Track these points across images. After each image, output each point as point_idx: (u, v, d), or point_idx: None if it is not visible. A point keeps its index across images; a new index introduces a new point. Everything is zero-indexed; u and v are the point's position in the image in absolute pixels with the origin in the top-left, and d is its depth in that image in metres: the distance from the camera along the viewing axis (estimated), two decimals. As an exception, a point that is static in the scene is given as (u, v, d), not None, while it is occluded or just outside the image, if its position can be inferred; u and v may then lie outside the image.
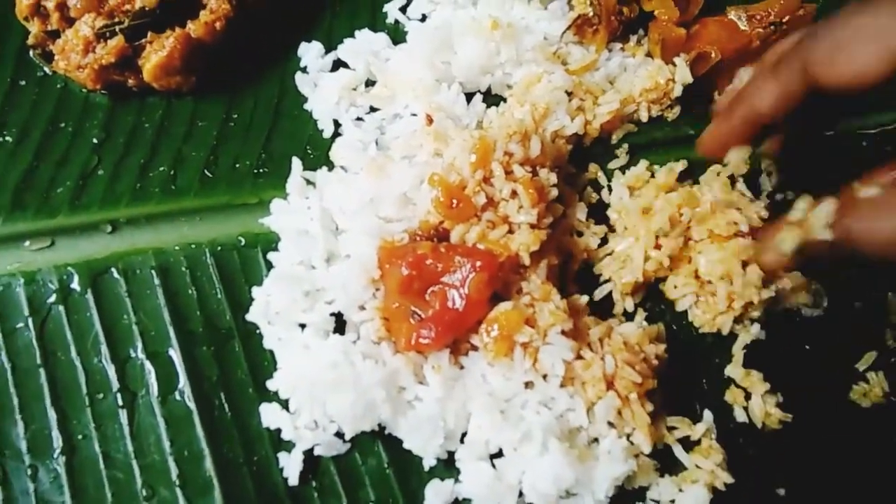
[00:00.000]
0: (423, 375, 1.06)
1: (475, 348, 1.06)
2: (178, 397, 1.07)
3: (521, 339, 1.03)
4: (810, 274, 1.13)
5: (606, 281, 1.16)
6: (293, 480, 1.04)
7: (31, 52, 1.28)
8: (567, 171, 1.22)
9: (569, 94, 1.23)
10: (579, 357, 1.04)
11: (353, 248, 1.11)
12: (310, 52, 1.30)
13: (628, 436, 1.03)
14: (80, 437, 1.05)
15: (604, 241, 1.18)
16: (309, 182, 1.18)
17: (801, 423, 1.10)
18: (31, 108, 1.25)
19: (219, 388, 1.08)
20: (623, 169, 1.23)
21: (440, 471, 1.05)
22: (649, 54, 1.29)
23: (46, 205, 1.17)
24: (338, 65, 1.29)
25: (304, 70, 1.29)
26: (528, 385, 1.04)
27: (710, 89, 1.30)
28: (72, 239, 1.16)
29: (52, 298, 1.12)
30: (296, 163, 1.18)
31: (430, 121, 1.18)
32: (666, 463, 1.05)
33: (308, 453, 1.05)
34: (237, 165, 1.22)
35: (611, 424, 1.02)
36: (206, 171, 1.21)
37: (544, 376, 1.04)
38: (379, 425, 1.05)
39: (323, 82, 1.27)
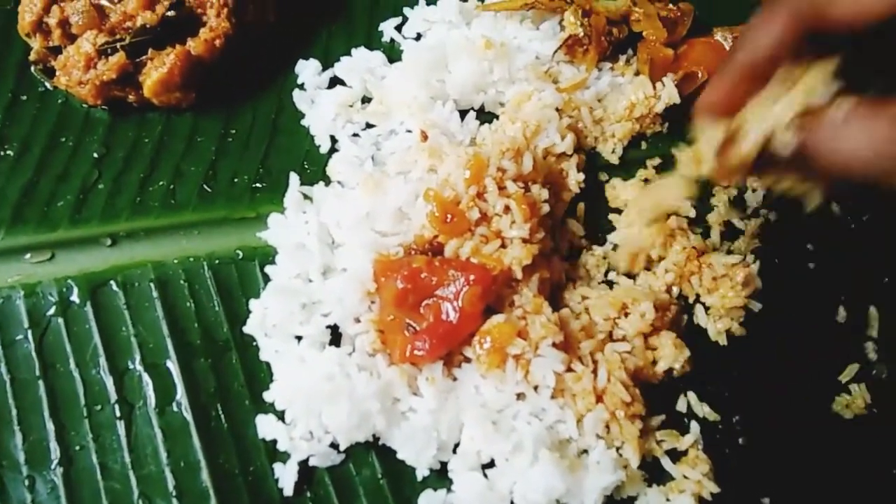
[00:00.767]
0: (417, 387, 1.08)
1: (468, 360, 1.08)
2: (175, 408, 1.09)
3: (513, 352, 1.05)
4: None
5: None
6: (288, 491, 1.05)
7: (32, 68, 1.30)
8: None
9: (558, 111, 1.26)
10: (570, 370, 1.06)
11: (350, 262, 1.13)
12: (307, 70, 1.33)
13: (618, 448, 1.05)
14: (77, 448, 1.07)
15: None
16: (306, 197, 1.21)
17: (785, 433, 1.12)
18: (32, 123, 1.27)
19: (216, 399, 1.10)
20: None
21: (433, 481, 1.06)
22: (638, 74, 1.32)
23: (47, 218, 1.19)
24: (335, 82, 1.32)
25: (301, 87, 1.32)
26: (519, 396, 1.07)
27: (697, 108, 1.33)
28: (72, 252, 1.17)
29: (52, 311, 1.13)
30: (293, 178, 1.21)
31: (424, 137, 1.21)
32: (654, 473, 1.07)
33: (303, 464, 1.06)
34: (235, 180, 1.24)
35: (600, 437, 1.04)
36: (204, 186, 1.23)
37: (535, 388, 1.06)
38: (373, 436, 1.06)
39: (320, 99, 1.30)
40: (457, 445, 1.06)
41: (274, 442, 1.07)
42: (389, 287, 1.08)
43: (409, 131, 1.25)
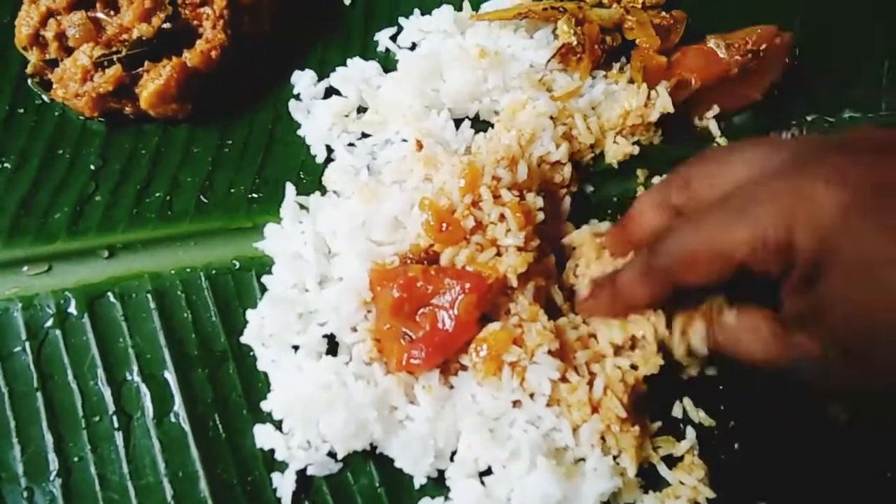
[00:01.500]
0: (413, 395, 1.08)
1: (465, 368, 1.09)
2: (173, 419, 1.09)
3: (509, 359, 1.06)
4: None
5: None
6: (286, 500, 1.05)
7: (29, 81, 1.30)
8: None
9: (553, 119, 1.27)
10: (565, 380, 1.07)
11: (346, 271, 1.13)
12: (303, 80, 1.33)
13: (615, 457, 1.05)
14: (76, 459, 1.07)
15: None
16: (302, 207, 1.21)
17: (781, 438, 1.12)
18: (29, 136, 1.27)
19: (213, 409, 1.10)
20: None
21: (430, 489, 1.07)
22: (631, 81, 1.33)
23: (44, 230, 1.19)
24: (330, 92, 1.33)
25: (297, 97, 1.33)
26: (515, 404, 1.07)
27: (690, 115, 1.34)
28: (69, 264, 1.18)
29: (50, 322, 1.14)
30: (289, 188, 1.21)
31: (419, 146, 1.21)
32: (650, 479, 1.07)
33: (301, 473, 1.06)
34: (232, 191, 1.25)
35: (595, 446, 1.05)
36: (201, 197, 1.24)
37: (531, 395, 1.07)
38: (371, 444, 1.07)
39: (316, 109, 1.30)
40: (454, 453, 1.07)
41: (272, 451, 1.07)
42: (385, 296, 1.08)
43: (405, 140, 1.26)
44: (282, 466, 1.07)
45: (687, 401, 1.13)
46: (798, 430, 1.13)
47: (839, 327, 0.84)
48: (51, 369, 1.12)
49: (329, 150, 1.28)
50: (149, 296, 1.16)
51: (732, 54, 1.31)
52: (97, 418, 1.09)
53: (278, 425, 1.08)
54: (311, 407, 1.06)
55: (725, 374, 1.15)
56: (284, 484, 1.06)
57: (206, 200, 1.24)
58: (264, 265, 1.18)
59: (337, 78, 1.32)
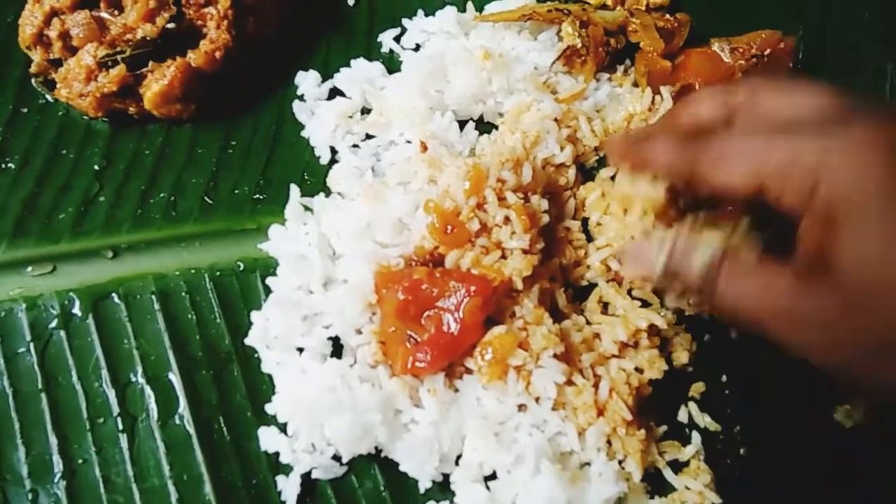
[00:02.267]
0: (418, 398, 1.08)
1: (470, 371, 1.09)
2: (177, 421, 1.09)
3: (514, 363, 1.06)
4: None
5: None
6: (291, 503, 1.05)
7: (33, 81, 1.30)
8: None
9: (557, 121, 1.27)
10: (571, 383, 1.07)
11: (350, 273, 1.13)
12: (307, 81, 1.33)
13: (620, 461, 1.05)
14: (80, 461, 1.07)
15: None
16: (307, 208, 1.21)
17: (787, 443, 1.13)
18: (33, 136, 1.27)
19: (218, 412, 1.10)
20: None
21: (435, 493, 1.07)
22: (636, 84, 1.33)
23: (48, 231, 1.19)
24: (334, 93, 1.32)
25: (301, 98, 1.32)
26: (521, 408, 1.07)
27: (695, 118, 1.34)
28: (73, 265, 1.18)
29: (54, 324, 1.14)
30: (293, 189, 1.21)
31: (424, 148, 1.21)
32: (655, 484, 1.08)
33: (306, 476, 1.07)
34: (236, 192, 1.25)
35: (601, 450, 1.05)
36: (205, 198, 1.24)
37: (537, 399, 1.07)
38: (375, 448, 1.07)
39: (320, 110, 1.30)
40: (459, 457, 1.07)
41: (276, 454, 1.07)
42: (390, 298, 1.08)
43: (409, 142, 1.25)
44: (286, 469, 1.07)
45: (692, 405, 1.13)
46: (804, 435, 1.14)
47: (850, 278, 0.81)
48: (55, 370, 1.11)
49: (333, 151, 1.28)
50: (153, 297, 1.16)
51: (736, 58, 1.31)
52: (101, 420, 1.09)
53: (283, 428, 1.08)
54: (316, 410, 1.05)
55: (730, 380, 1.16)
56: (289, 487, 1.06)
57: (210, 201, 1.24)
58: (269, 267, 1.18)
59: (341, 79, 1.32)
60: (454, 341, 1.07)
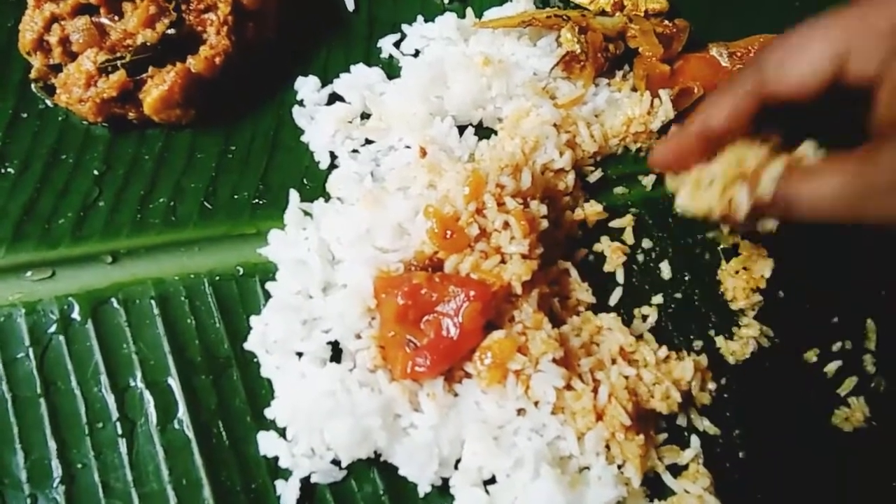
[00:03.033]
0: (418, 403, 1.08)
1: (469, 376, 1.09)
2: (176, 426, 1.09)
3: (513, 367, 1.06)
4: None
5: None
6: (290, 508, 1.05)
7: (33, 86, 1.30)
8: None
9: (556, 126, 1.27)
10: (570, 388, 1.07)
11: (350, 278, 1.13)
12: (306, 86, 1.33)
13: (619, 466, 1.06)
14: (79, 465, 1.07)
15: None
16: (306, 213, 1.21)
17: (786, 447, 1.13)
18: (32, 141, 1.27)
19: (217, 416, 1.10)
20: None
21: (435, 497, 1.07)
22: (634, 89, 1.33)
23: (48, 236, 1.19)
24: (334, 98, 1.33)
25: (300, 103, 1.33)
26: (520, 412, 1.07)
27: (693, 123, 1.35)
28: (72, 269, 1.18)
29: (53, 328, 1.14)
30: (293, 194, 1.21)
31: (423, 153, 1.22)
32: (654, 488, 1.08)
33: (305, 481, 1.07)
34: (235, 197, 1.25)
35: (600, 454, 1.05)
36: (205, 203, 1.24)
37: (536, 403, 1.07)
38: (375, 452, 1.07)
39: (319, 115, 1.30)
40: (458, 461, 1.07)
41: (276, 459, 1.07)
42: (390, 303, 1.08)
43: (408, 147, 1.26)
44: (286, 474, 1.07)
45: (692, 409, 1.13)
46: (803, 439, 1.14)
47: None
48: (54, 375, 1.11)
49: (333, 156, 1.28)
50: (152, 302, 1.16)
51: (734, 63, 1.32)
52: (100, 425, 1.09)
53: (282, 432, 1.08)
54: (315, 414, 1.05)
55: (729, 384, 1.16)
56: (288, 491, 1.06)
57: (209, 206, 1.24)
58: (268, 271, 1.18)
59: (340, 84, 1.32)
60: (453, 346, 1.07)
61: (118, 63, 1.23)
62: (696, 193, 1.03)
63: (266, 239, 1.19)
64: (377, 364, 1.09)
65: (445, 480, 1.06)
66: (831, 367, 1.19)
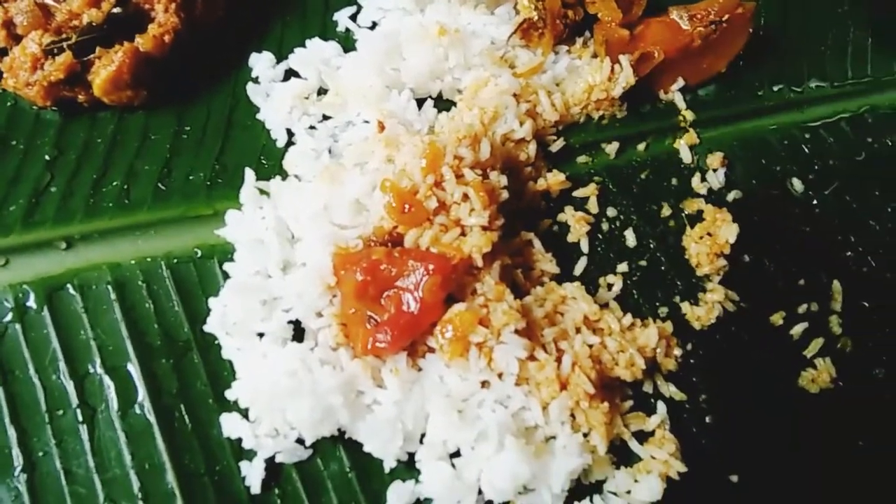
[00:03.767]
0: (381, 379, 1.07)
1: (432, 350, 1.08)
2: (137, 411, 1.08)
3: (475, 340, 1.05)
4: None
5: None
6: (255, 489, 1.04)
7: (-22, 71, 1.27)
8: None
9: (516, 96, 1.25)
10: (533, 358, 1.06)
11: (309, 256, 1.12)
12: (261, 63, 1.31)
13: (585, 434, 1.05)
14: (40, 454, 1.05)
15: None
16: (263, 192, 1.19)
17: (752, 410, 1.13)
18: (-20, 127, 1.24)
19: (178, 400, 1.09)
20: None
21: (401, 472, 1.06)
22: (595, 55, 1.31)
23: (-1, 224, 1.17)
24: (289, 74, 1.30)
25: (255, 80, 1.30)
26: (484, 384, 1.06)
27: (655, 88, 1.33)
28: (26, 257, 1.16)
29: (9, 317, 1.12)
30: (248, 173, 1.19)
31: (382, 128, 1.20)
32: (621, 454, 1.08)
33: (270, 461, 1.06)
34: (191, 178, 1.23)
35: (565, 423, 1.05)
36: (159, 185, 1.22)
37: (499, 375, 1.06)
38: (339, 430, 1.06)
39: (275, 92, 1.28)
40: (423, 436, 1.06)
41: (239, 440, 1.06)
42: (349, 280, 1.07)
43: (367, 122, 1.24)
44: (250, 455, 1.06)
45: (657, 376, 1.13)
46: (769, 403, 1.14)
47: None
48: (11, 364, 1.09)
49: (290, 133, 1.26)
50: (109, 287, 1.14)
51: (695, 25, 1.30)
52: (61, 412, 1.07)
53: (245, 414, 1.07)
54: (278, 394, 1.04)
55: (695, 349, 1.16)
56: (253, 472, 1.05)
57: (164, 188, 1.22)
58: (226, 252, 1.17)
59: (296, 59, 1.30)
60: (414, 320, 1.06)
61: (64, 44, 1.20)
62: None
63: (223, 219, 1.17)
64: (339, 342, 1.08)
65: (411, 455, 1.06)
66: (797, 330, 1.19)
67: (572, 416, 1.06)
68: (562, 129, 1.30)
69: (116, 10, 1.20)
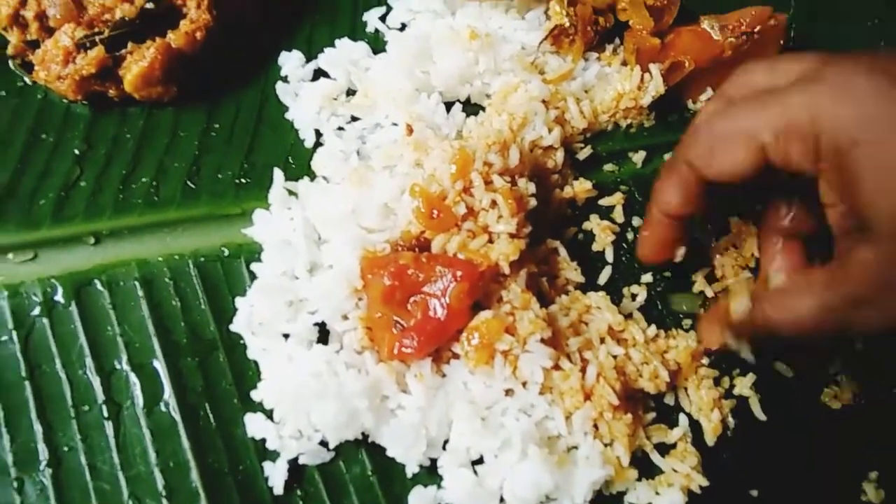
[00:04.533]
0: (405, 384, 1.07)
1: (457, 356, 1.08)
2: (163, 408, 1.08)
3: (501, 347, 1.05)
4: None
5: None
6: (278, 489, 1.05)
7: (10, 63, 1.27)
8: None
9: (545, 102, 1.25)
10: (558, 367, 1.06)
11: (336, 259, 1.12)
12: (290, 62, 1.31)
13: (607, 445, 1.05)
14: (65, 449, 1.06)
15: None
16: (291, 192, 1.19)
17: (774, 424, 1.13)
18: (11, 119, 1.24)
19: (203, 398, 1.09)
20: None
21: (423, 478, 1.07)
22: (625, 63, 1.31)
23: (29, 217, 1.17)
24: (318, 74, 1.30)
25: (284, 79, 1.30)
26: (508, 392, 1.07)
27: (684, 97, 1.33)
28: (55, 251, 1.16)
29: (37, 311, 1.12)
30: (277, 173, 1.19)
31: (410, 131, 1.20)
32: (642, 467, 1.08)
33: (293, 462, 1.06)
34: (219, 176, 1.23)
35: (588, 433, 1.05)
36: (188, 182, 1.22)
37: (524, 384, 1.06)
38: (363, 433, 1.06)
39: (304, 92, 1.28)
40: (446, 442, 1.06)
41: (263, 441, 1.07)
42: (376, 284, 1.07)
43: (395, 124, 1.24)
44: (273, 456, 1.06)
45: (680, 388, 1.13)
46: (792, 416, 1.14)
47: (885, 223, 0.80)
48: (38, 358, 1.10)
49: (318, 133, 1.26)
50: (136, 283, 1.15)
51: (726, 36, 1.29)
52: (86, 408, 1.08)
53: (269, 414, 1.08)
54: (302, 396, 1.05)
55: (717, 362, 1.16)
56: (276, 473, 1.05)
57: (193, 186, 1.22)
58: (253, 252, 1.17)
59: (325, 59, 1.30)
60: (441, 326, 1.06)
61: (96, 39, 1.20)
62: None
63: (251, 219, 1.17)
64: (364, 345, 1.08)
65: (433, 461, 1.06)
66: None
67: (595, 426, 1.06)
68: (589, 137, 1.30)
69: (149, 5, 1.20)
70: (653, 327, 1.15)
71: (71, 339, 1.11)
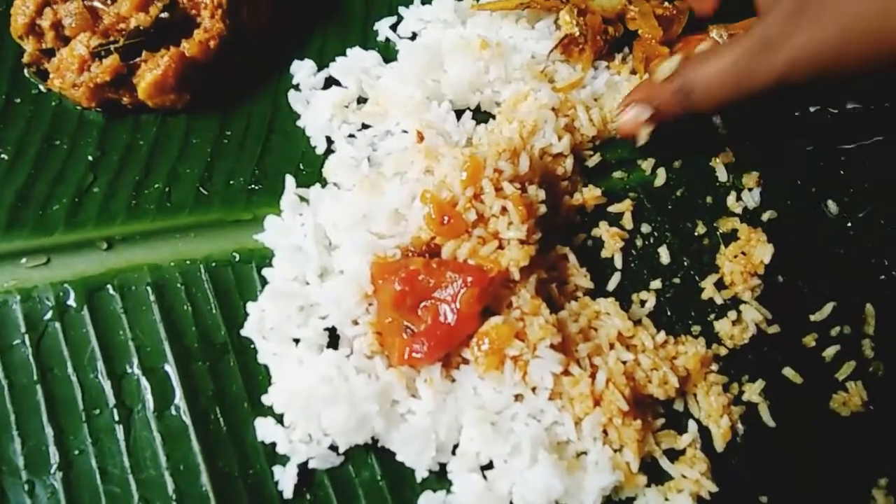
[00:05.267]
0: (415, 389, 1.08)
1: (466, 362, 1.09)
2: (173, 412, 1.09)
3: (511, 353, 1.06)
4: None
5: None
6: (288, 493, 1.05)
7: (25, 71, 1.29)
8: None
9: (555, 110, 1.26)
10: (567, 373, 1.07)
11: (347, 264, 1.13)
12: (302, 70, 1.32)
13: (617, 450, 1.05)
14: (76, 452, 1.07)
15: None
16: (302, 199, 1.20)
17: (784, 431, 1.13)
18: (26, 126, 1.26)
19: (214, 402, 1.10)
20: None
21: (432, 482, 1.07)
22: (634, 72, 1.32)
23: (42, 222, 1.18)
24: (330, 82, 1.32)
25: (296, 88, 1.32)
26: (517, 398, 1.07)
27: (693, 106, 1.34)
28: (68, 256, 1.17)
29: (49, 315, 1.13)
30: (289, 180, 1.21)
31: (420, 138, 1.20)
32: (652, 472, 1.08)
33: (303, 466, 1.06)
34: (231, 182, 1.24)
35: (598, 439, 1.05)
36: (200, 188, 1.23)
37: (533, 389, 1.07)
38: (372, 438, 1.07)
39: (315, 100, 1.29)
40: (456, 447, 1.07)
41: (273, 445, 1.07)
42: (387, 289, 1.08)
43: (405, 132, 1.25)
44: (283, 460, 1.07)
45: (689, 394, 1.13)
46: (800, 423, 1.14)
47: None
48: (51, 362, 1.11)
49: (329, 141, 1.27)
50: (148, 288, 1.15)
51: (735, 45, 1.30)
52: (97, 411, 1.09)
53: (279, 419, 1.08)
54: (313, 400, 1.05)
55: (726, 368, 1.16)
56: (286, 477, 1.06)
57: (205, 192, 1.23)
58: (264, 257, 1.18)
59: (336, 68, 1.31)
60: (451, 332, 1.06)
61: (111, 47, 1.22)
62: None
63: (262, 225, 1.18)
64: (374, 350, 1.09)
65: (443, 466, 1.06)
66: (830, 352, 1.18)
67: (604, 432, 1.06)
68: (598, 145, 1.30)
69: (164, 14, 1.22)
70: (662, 333, 1.15)
71: (83, 344, 1.12)
